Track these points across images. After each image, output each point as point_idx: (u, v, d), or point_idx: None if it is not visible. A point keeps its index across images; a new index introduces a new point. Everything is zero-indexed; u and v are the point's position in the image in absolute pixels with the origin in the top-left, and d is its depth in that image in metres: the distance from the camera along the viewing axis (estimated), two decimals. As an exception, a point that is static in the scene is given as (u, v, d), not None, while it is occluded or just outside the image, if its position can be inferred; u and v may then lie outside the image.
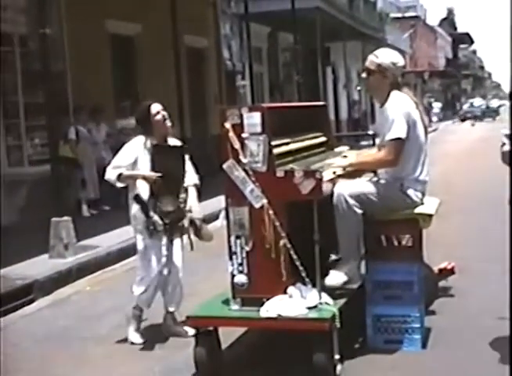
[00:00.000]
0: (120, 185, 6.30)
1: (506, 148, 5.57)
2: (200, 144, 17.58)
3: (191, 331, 6.32)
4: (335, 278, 5.61)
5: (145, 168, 6.22)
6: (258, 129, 5.36)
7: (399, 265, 5.73)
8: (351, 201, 5.58)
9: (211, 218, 8.91)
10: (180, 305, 6.50)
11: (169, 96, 14.89)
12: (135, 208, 6.27)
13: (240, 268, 5.47)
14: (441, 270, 7.19)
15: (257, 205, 5.35)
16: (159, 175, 6.12)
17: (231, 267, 5.50)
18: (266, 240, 5.33)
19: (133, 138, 6.44)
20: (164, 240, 6.23)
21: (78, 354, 6.30)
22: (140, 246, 6.37)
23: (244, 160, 5.36)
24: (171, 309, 6.48)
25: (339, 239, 5.72)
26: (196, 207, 6.47)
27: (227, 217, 5.51)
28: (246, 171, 5.35)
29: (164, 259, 6.24)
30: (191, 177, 6.51)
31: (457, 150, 21.46)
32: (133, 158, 6.25)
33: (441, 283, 7.19)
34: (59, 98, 11.72)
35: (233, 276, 5.49)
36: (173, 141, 6.57)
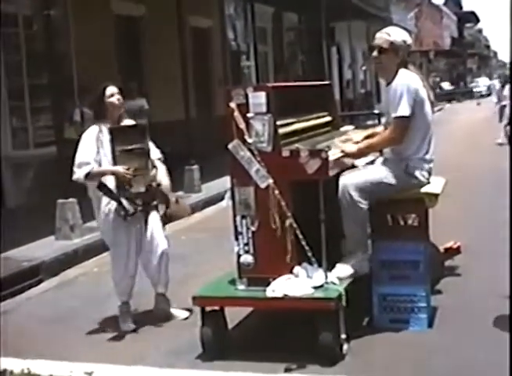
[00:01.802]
0: (90, 183, 6.20)
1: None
2: (205, 124, 17.57)
3: (184, 314, 6.33)
4: (341, 271, 5.58)
5: (107, 155, 6.12)
6: (263, 109, 5.34)
7: (405, 245, 5.73)
8: (356, 197, 5.54)
9: (217, 198, 8.90)
10: (168, 285, 6.48)
11: (174, 77, 14.89)
12: (104, 200, 6.16)
13: (246, 248, 5.47)
14: (447, 249, 7.19)
15: (262, 185, 5.34)
16: (127, 168, 6.03)
17: (237, 247, 5.51)
18: (272, 220, 5.33)
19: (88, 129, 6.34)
20: (138, 224, 6.19)
21: (85, 335, 6.32)
22: (110, 238, 6.29)
23: (250, 140, 5.35)
24: (160, 291, 6.45)
25: (345, 232, 5.70)
26: (165, 182, 6.39)
27: (232, 197, 5.50)
28: (251, 151, 5.35)
29: (133, 243, 6.22)
30: (153, 152, 6.40)
31: (463, 128, 21.40)
32: (94, 150, 6.13)
33: (447, 263, 7.19)
34: (63, 80, 11.70)
35: (239, 256, 5.50)
36: (129, 122, 6.47)
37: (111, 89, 6.30)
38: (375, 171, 5.75)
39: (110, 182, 6.11)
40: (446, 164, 7.87)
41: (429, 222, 5.87)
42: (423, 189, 5.78)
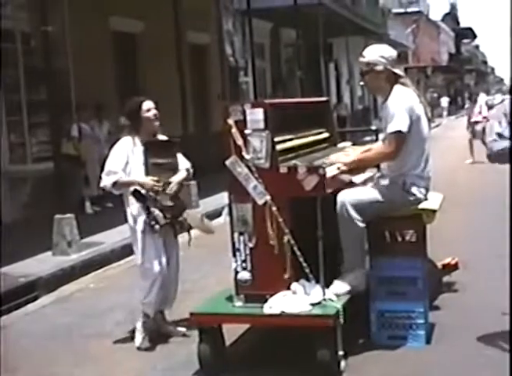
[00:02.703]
0: (116, 192, 6.23)
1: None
2: (202, 140, 17.57)
3: (181, 330, 6.30)
4: (338, 288, 5.57)
5: (137, 167, 6.15)
6: (261, 125, 5.34)
7: (403, 261, 5.72)
8: (354, 214, 5.54)
9: (214, 214, 8.89)
10: (173, 303, 6.48)
11: (172, 93, 14.91)
12: (134, 207, 6.19)
13: (244, 264, 5.46)
14: (444, 265, 7.18)
15: (260, 201, 5.34)
16: (155, 179, 6.08)
17: (234, 263, 5.49)
18: (269, 237, 5.32)
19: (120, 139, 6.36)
20: (164, 237, 6.18)
21: (81, 351, 6.29)
22: (139, 246, 6.24)
23: (247, 157, 5.35)
24: (164, 308, 6.44)
25: (343, 247, 5.69)
26: (174, 186, 6.30)
27: (230, 213, 5.49)
28: (249, 167, 5.34)
29: (164, 258, 6.20)
30: (182, 163, 6.44)
31: (460, 144, 21.44)
32: (124, 160, 6.17)
33: (445, 279, 7.18)
34: (61, 95, 11.71)
35: (237, 272, 5.48)
36: (161, 137, 6.50)
37: (148, 104, 6.32)
38: (373, 190, 5.74)
39: (141, 188, 6.14)
40: (442, 180, 7.86)
41: (427, 238, 5.86)
42: (421, 206, 5.77)
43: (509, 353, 4.78)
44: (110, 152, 6.29)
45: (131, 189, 6.13)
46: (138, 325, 6.26)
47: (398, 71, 5.86)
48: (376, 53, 5.85)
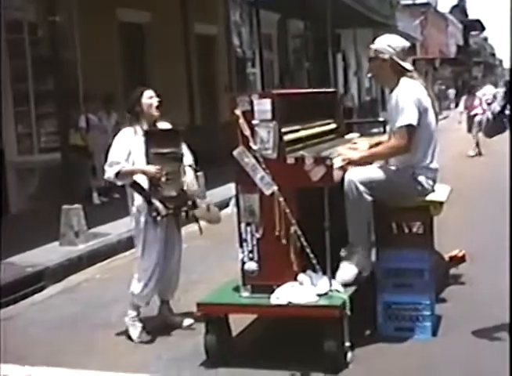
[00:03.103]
0: (120, 182, 6.19)
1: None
2: (210, 131, 17.57)
3: (188, 321, 6.30)
4: (346, 272, 5.58)
5: (140, 157, 6.11)
6: (268, 116, 5.34)
7: (410, 253, 5.72)
8: (362, 188, 5.54)
9: (222, 205, 8.89)
10: (175, 294, 6.48)
11: (179, 84, 14.91)
12: (138, 199, 6.16)
13: (250, 255, 5.47)
14: (451, 258, 7.17)
15: (267, 192, 5.34)
16: (158, 168, 6.03)
17: (241, 254, 5.50)
18: (276, 227, 5.32)
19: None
20: (166, 229, 6.16)
21: (88, 341, 6.31)
22: (140, 239, 6.22)
23: (254, 147, 5.35)
24: (168, 298, 6.45)
25: (349, 226, 5.67)
26: (194, 187, 6.34)
27: (237, 204, 5.50)
28: (256, 157, 5.34)
29: (164, 251, 6.18)
30: (186, 158, 6.39)
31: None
32: (127, 151, 6.12)
33: (452, 271, 7.18)
34: (69, 86, 11.71)
35: (243, 263, 5.49)
36: (164, 125, 6.45)
37: (149, 92, 6.29)
38: (381, 171, 5.72)
39: (144, 182, 6.11)
40: (448, 173, 7.85)
41: (434, 230, 5.85)
42: (428, 197, 5.76)
43: (509, 351, 4.77)
44: (112, 143, 6.26)
45: (131, 181, 6.12)
46: (129, 319, 6.24)
47: (404, 64, 5.82)
48: (385, 42, 5.84)
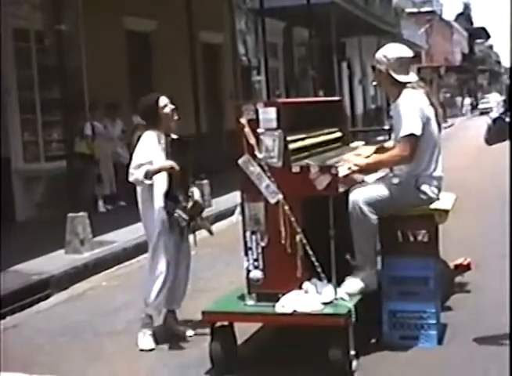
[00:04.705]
0: (148, 182, 6.08)
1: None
2: (215, 139, 17.58)
3: (190, 332, 6.27)
4: (351, 286, 5.58)
5: (161, 161, 6.10)
6: (274, 124, 5.35)
7: (415, 261, 5.71)
8: (366, 208, 5.53)
9: (227, 213, 8.90)
10: (181, 304, 6.47)
11: (185, 92, 14.91)
12: (159, 207, 6.09)
13: (256, 263, 5.46)
14: (457, 266, 7.15)
15: (272, 201, 5.33)
16: (177, 166, 6.04)
17: (246, 262, 5.50)
18: (281, 236, 5.32)
19: (142, 133, 6.28)
20: (181, 237, 6.16)
21: (93, 349, 6.31)
22: (155, 247, 6.19)
23: (260, 156, 5.35)
24: (175, 308, 6.43)
25: (355, 246, 5.67)
26: (196, 195, 6.33)
27: (242, 212, 5.50)
28: (261, 166, 5.34)
29: (175, 260, 6.16)
30: None
31: (472, 144, 21.35)
32: (152, 154, 6.09)
33: (458, 279, 7.16)
34: (75, 94, 11.74)
35: (249, 271, 5.49)
36: (174, 136, 6.42)
37: (164, 100, 6.27)
38: (385, 187, 5.73)
39: (161, 190, 6.09)
40: (453, 180, 7.85)
41: (439, 238, 5.85)
42: (433, 205, 5.76)
43: (509, 355, 4.76)
44: (136, 147, 6.20)
45: (149, 191, 6.10)
46: (141, 328, 6.22)
47: (399, 76, 5.78)
48: (382, 52, 5.86)
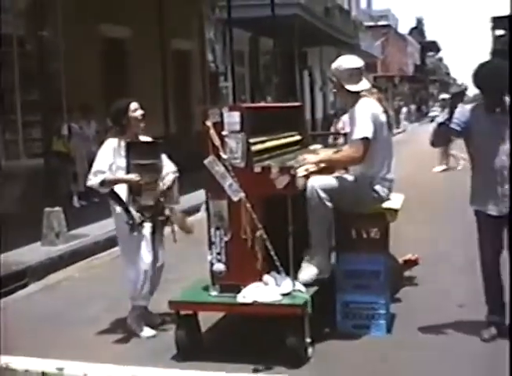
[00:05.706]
0: (104, 190, 6.04)
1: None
2: (183, 141, 17.52)
3: (149, 332, 6.13)
4: (307, 272, 5.60)
5: (122, 167, 6.02)
6: (237, 127, 5.36)
7: (367, 256, 5.74)
8: (323, 195, 5.55)
9: (194, 210, 8.90)
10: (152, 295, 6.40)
11: (156, 95, 14.89)
12: (118, 208, 6.06)
13: (219, 257, 5.47)
14: (406, 261, 7.21)
15: (235, 198, 5.34)
16: (138, 178, 5.94)
17: (210, 256, 5.50)
18: (243, 232, 5.33)
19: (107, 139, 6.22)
20: (147, 235, 6.07)
21: (69, 336, 6.26)
22: (121, 242, 6.19)
23: (224, 157, 5.35)
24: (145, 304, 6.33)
25: (310, 230, 5.69)
26: (174, 193, 6.29)
27: (207, 209, 5.50)
28: (225, 166, 5.35)
29: (150, 254, 6.07)
30: (169, 166, 6.31)
31: (421, 149, 21.53)
32: (110, 161, 6.00)
33: (406, 273, 7.21)
34: (53, 96, 11.64)
35: (212, 264, 5.49)
36: (145, 138, 6.35)
37: (135, 105, 6.19)
38: (342, 180, 5.76)
39: (123, 192, 6.03)
40: (403, 182, 7.91)
41: (389, 235, 5.89)
42: (385, 205, 5.80)
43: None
44: (97, 153, 6.17)
45: (109, 190, 6.04)
46: (132, 320, 6.16)
47: (350, 86, 5.79)
48: (335, 64, 5.88)
